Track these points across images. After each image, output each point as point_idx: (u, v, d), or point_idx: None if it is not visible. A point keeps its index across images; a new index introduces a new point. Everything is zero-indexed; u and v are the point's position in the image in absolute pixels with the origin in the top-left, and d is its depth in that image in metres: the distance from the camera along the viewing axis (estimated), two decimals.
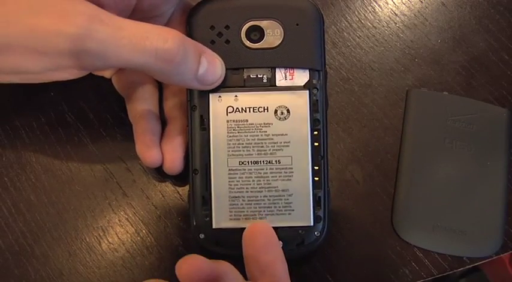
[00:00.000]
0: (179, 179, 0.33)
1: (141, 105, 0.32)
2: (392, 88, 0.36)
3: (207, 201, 0.29)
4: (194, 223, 0.29)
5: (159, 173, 0.33)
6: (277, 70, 0.29)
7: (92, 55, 0.24)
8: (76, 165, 0.34)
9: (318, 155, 0.29)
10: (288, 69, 0.29)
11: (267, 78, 0.29)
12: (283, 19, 0.29)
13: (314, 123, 0.29)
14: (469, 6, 0.38)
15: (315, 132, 0.29)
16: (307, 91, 0.29)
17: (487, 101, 0.36)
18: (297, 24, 0.29)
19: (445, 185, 0.34)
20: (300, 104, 0.29)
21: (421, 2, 0.39)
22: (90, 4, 0.24)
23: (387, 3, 0.38)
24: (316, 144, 0.29)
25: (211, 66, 0.27)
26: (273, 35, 0.29)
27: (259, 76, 0.29)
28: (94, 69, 0.26)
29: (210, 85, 0.28)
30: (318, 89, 0.29)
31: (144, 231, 0.33)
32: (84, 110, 0.35)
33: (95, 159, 0.34)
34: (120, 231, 0.33)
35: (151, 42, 0.24)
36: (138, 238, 0.33)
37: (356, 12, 0.38)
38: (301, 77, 0.29)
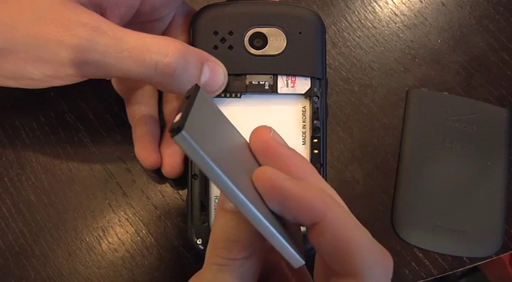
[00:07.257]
0: (179, 179, 0.33)
1: (140, 107, 0.32)
2: (392, 88, 0.36)
3: (205, 206, 0.29)
4: (192, 228, 0.29)
5: (159, 173, 0.33)
6: (279, 77, 0.30)
7: (93, 66, 0.24)
8: (76, 165, 0.34)
9: (318, 163, 0.29)
10: (290, 77, 0.30)
11: (269, 85, 0.29)
12: (287, 27, 0.29)
13: (314, 130, 0.29)
14: (469, 6, 0.38)
15: (315, 140, 0.29)
16: (308, 99, 0.30)
17: (487, 101, 0.36)
18: (300, 33, 0.29)
19: (445, 185, 0.34)
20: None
21: (421, 2, 0.39)
22: (92, 14, 0.24)
23: (387, 3, 0.38)
24: (315, 151, 0.29)
25: (213, 74, 0.27)
26: (276, 42, 0.29)
27: (261, 82, 0.29)
28: (94, 78, 0.26)
29: (212, 93, 0.28)
30: (318, 97, 0.30)
31: (144, 231, 0.33)
32: (84, 110, 0.35)
33: (95, 160, 0.34)
34: (120, 231, 0.33)
35: (151, 55, 0.24)
36: (138, 238, 0.33)
37: (356, 12, 0.38)
38: (303, 84, 0.30)
